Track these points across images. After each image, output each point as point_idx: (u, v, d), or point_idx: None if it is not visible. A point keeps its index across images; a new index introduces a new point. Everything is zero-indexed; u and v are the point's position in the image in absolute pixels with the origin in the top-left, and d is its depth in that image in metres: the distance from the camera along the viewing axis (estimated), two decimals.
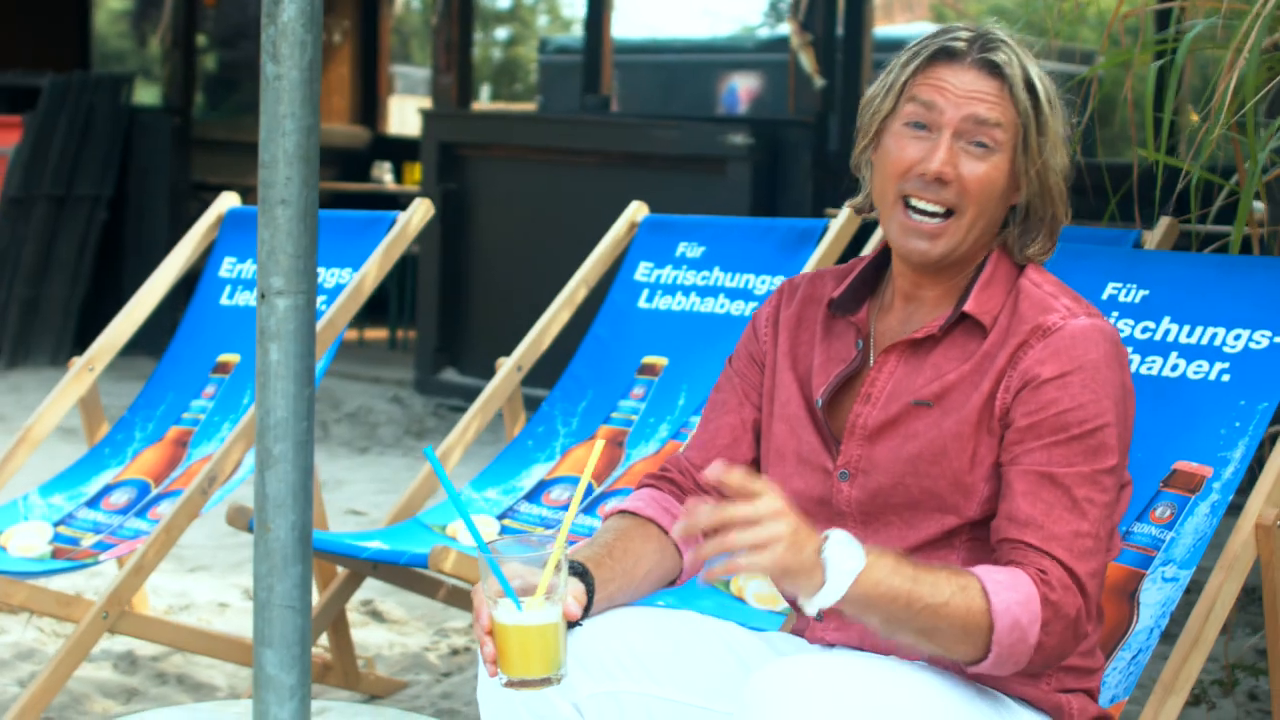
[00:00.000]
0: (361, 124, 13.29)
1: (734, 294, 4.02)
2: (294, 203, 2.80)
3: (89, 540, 3.90)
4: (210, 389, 4.18)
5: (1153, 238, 3.34)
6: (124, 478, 4.10)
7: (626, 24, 31.15)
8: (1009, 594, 2.18)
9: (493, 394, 4.07)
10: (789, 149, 7.61)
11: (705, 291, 4.07)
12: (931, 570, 2.18)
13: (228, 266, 4.37)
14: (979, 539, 2.34)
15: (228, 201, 4.42)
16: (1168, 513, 2.81)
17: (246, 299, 4.21)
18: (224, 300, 4.33)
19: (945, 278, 2.41)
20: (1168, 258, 3.15)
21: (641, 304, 4.15)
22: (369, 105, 13.34)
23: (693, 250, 4.14)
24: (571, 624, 2.26)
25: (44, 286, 9.82)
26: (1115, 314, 3.04)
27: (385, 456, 7.23)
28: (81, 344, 9.80)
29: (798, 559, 2.08)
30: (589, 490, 3.83)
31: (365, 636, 4.64)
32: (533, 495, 3.90)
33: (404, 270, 10.08)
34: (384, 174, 12.00)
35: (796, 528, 2.09)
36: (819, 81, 7.55)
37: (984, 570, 2.22)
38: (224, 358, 4.21)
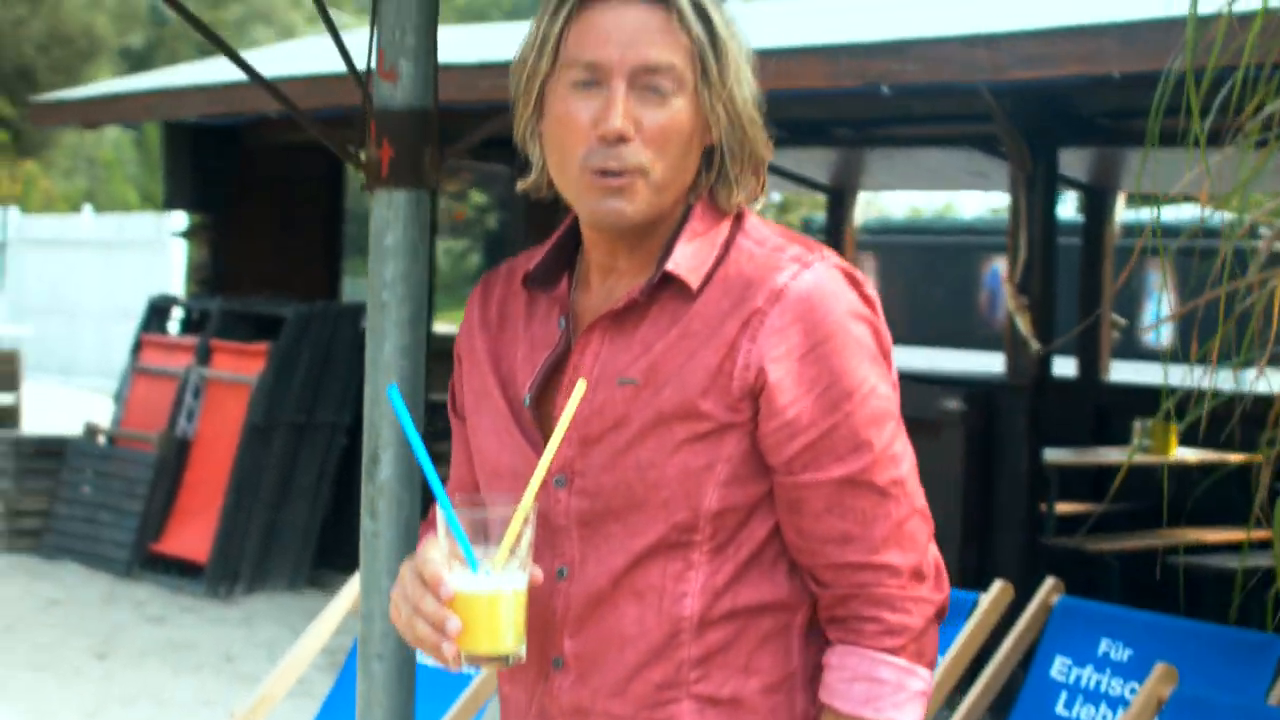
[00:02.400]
0: None
1: None
2: (390, 657, 2.86)
3: None
4: None
5: None
6: None
7: (892, 201, 31.19)
8: (890, 704, 2.04)
9: None
10: (1004, 414, 7.52)
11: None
12: None
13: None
14: (722, 542, 2.07)
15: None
16: None
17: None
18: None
19: (642, 241, 2.12)
20: None
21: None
22: None
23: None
24: None
25: (283, 512, 10.08)
26: None
27: None
28: (318, 569, 10.06)
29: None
30: None
31: None
32: None
33: None
34: None
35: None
36: (1035, 345, 7.45)
37: (855, 698, 2.04)
38: None
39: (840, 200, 11.94)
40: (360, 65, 2.78)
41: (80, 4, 37.55)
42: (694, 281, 2.06)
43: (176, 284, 24.51)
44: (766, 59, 6.27)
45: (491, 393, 2.18)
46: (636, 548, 2.06)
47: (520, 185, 2.19)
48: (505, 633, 1.95)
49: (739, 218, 2.13)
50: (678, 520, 2.05)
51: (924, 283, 23.30)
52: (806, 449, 2.03)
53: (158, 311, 11.36)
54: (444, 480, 2.08)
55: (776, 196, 26.48)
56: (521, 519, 1.94)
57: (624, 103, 2.04)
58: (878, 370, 2.06)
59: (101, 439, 10.89)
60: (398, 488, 2.88)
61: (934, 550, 2.12)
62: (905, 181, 13.42)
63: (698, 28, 2.06)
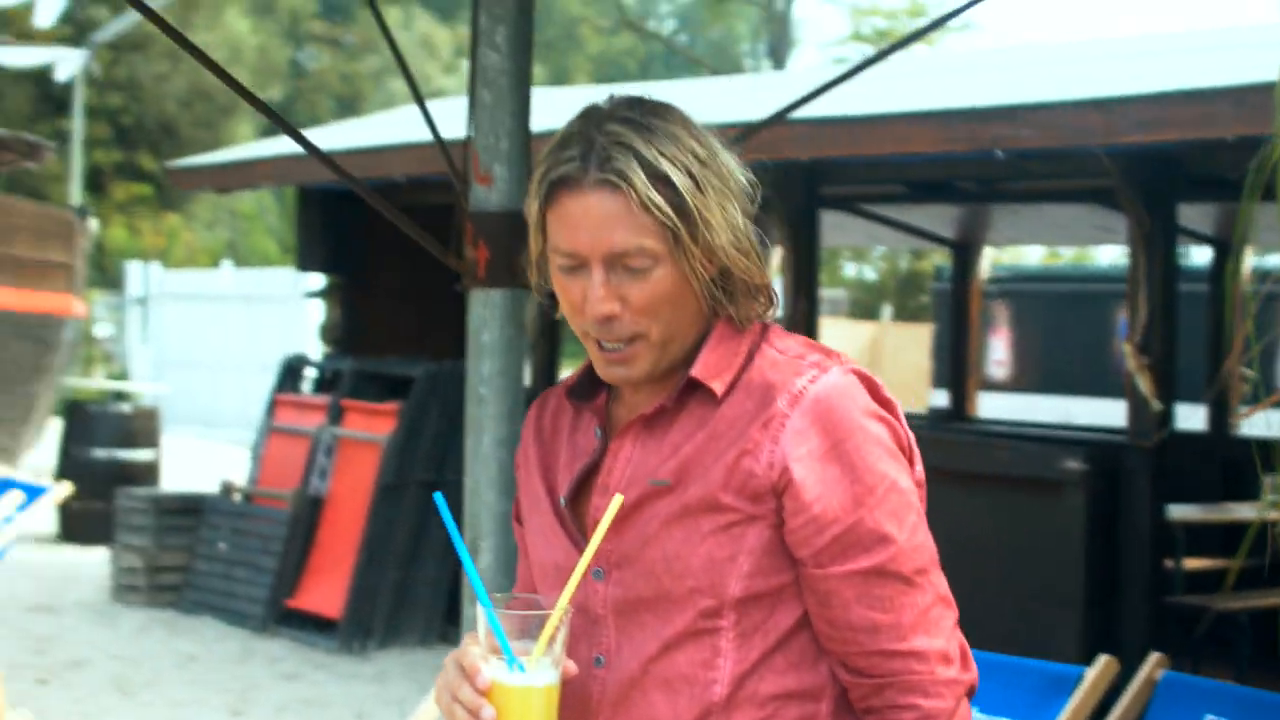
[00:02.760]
0: None
1: None
2: None
3: None
4: None
5: None
6: None
7: (1029, 248, 30.98)
8: None
9: None
10: (1126, 473, 7.50)
11: None
12: None
13: None
14: (748, 630, 2.15)
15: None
16: None
17: None
18: None
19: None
20: None
21: None
22: None
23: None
24: None
25: (415, 569, 10.22)
26: None
27: None
28: (450, 625, 10.19)
29: None
30: None
31: None
32: None
33: None
34: None
35: None
36: (1157, 405, 7.43)
37: None
38: None
39: (965, 254, 11.95)
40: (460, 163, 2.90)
41: (221, 59, 38.20)
42: (719, 388, 2.15)
43: (314, 338, 24.90)
44: (882, 124, 6.33)
45: (541, 498, 2.29)
46: (666, 635, 2.15)
47: (538, 297, 2.28)
48: None
49: (764, 328, 2.21)
50: (704, 608, 2.13)
51: (1057, 330, 23.14)
52: (833, 542, 2.10)
53: (291, 371, 11.59)
54: (514, 580, 2.26)
55: (905, 263, 26.39)
56: (557, 618, 2.05)
57: (603, 288, 2.12)
58: (897, 465, 2.13)
59: (237, 496, 11.12)
60: (497, 574, 2.98)
61: (959, 634, 2.18)
62: (1030, 236, 13.41)
63: (660, 203, 2.09)
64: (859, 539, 2.10)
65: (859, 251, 36.25)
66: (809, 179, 8.92)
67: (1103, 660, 3.92)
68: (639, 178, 2.09)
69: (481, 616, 2.07)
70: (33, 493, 7.49)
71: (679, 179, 2.11)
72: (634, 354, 2.15)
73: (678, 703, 2.16)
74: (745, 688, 2.15)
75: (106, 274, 33.10)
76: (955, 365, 11.98)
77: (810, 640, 2.17)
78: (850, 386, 2.14)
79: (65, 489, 7.61)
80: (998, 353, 33.08)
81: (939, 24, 3.11)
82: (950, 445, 8.32)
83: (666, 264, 2.12)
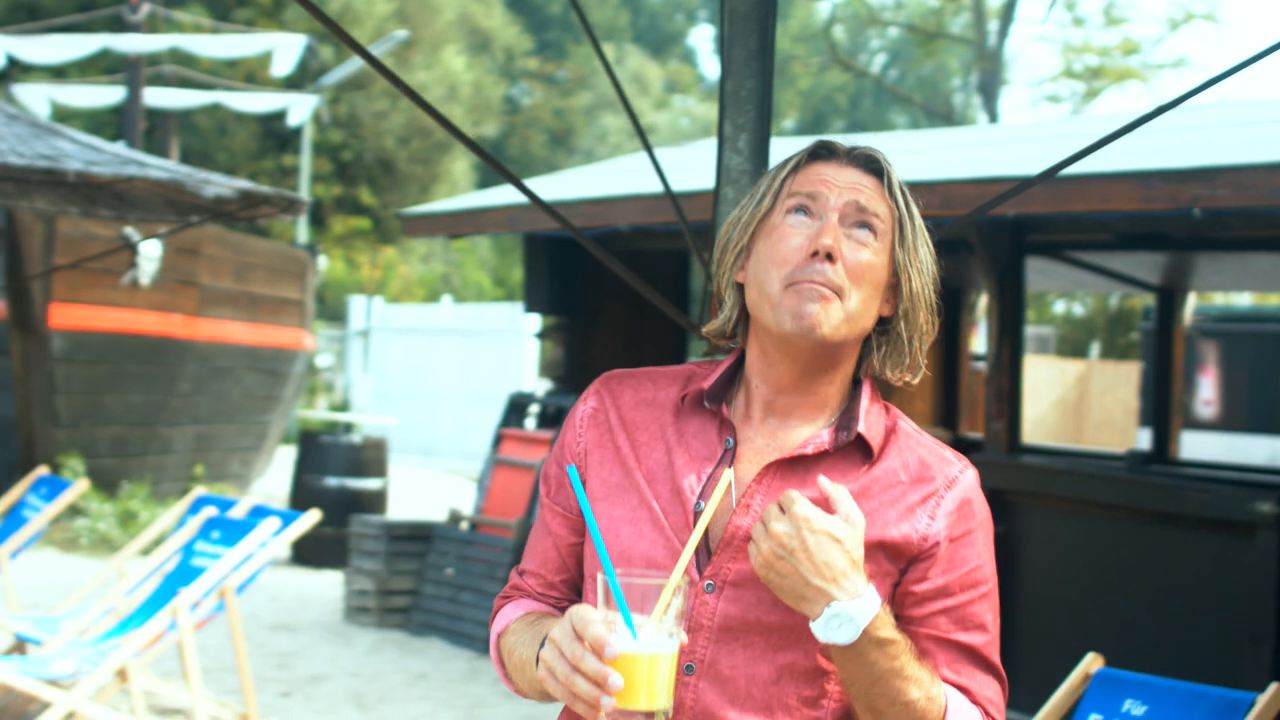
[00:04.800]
0: (942, 427, 13.92)
1: None
2: None
3: None
4: None
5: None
6: None
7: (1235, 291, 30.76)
8: (963, 712, 2.29)
9: None
10: None
11: None
12: (913, 664, 2.24)
13: None
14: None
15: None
16: None
17: None
18: None
19: (816, 386, 2.38)
20: None
21: None
22: (949, 409, 13.98)
23: (1137, 708, 4.54)
24: None
25: None
26: None
27: None
28: None
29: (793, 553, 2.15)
30: None
31: None
32: None
33: None
34: None
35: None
36: None
37: (951, 691, 2.30)
38: None
39: (1169, 299, 12.21)
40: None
41: (438, 96, 39.19)
42: (876, 447, 2.36)
43: (528, 370, 25.57)
44: (1080, 184, 6.71)
45: (636, 487, 2.39)
46: (781, 662, 2.30)
47: (705, 329, 2.47)
48: (660, 690, 2.14)
49: (889, 407, 2.44)
50: (822, 647, 2.27)
51: (1267, 370, 23.08)
52: (948, 611, 2.34)
53: (516, 407, 12.18)
54: (547, 550, 2.50)
55: (1115, 300, 26.36)
56: (673, 589, 2.14)
57: (835, 229, 2.32)
58: (994, 564, 2.41)
59: (464, 524, 11.71)
60: None
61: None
62: (1234, 283, 13.56)
63: (900, 198, 2.37)
64: (966, 617, 2.34)
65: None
66: (1015, 227, 9.28)
67: (1273, 687, 4.30)
68: (889, 169, 2.38)
69: (603, 585, 2.16)
70: (287, 519, 8.07)
71: (912, 201, 2.40)
72: (830, 302, 2.30)
73: None
74: None
75: (326, 306, 34.18)
76: (1158, 408, 12.23)
77: None
78: (980, 485, 2.40)
79: (314, 516, 8.19)
80: (1206, 392, 32.87)
81: (1212, 84, 3.46)
82: (1148, 487, 8.62)
83: (886, 247, 2.35)
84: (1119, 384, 29.22)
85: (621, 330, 12.80)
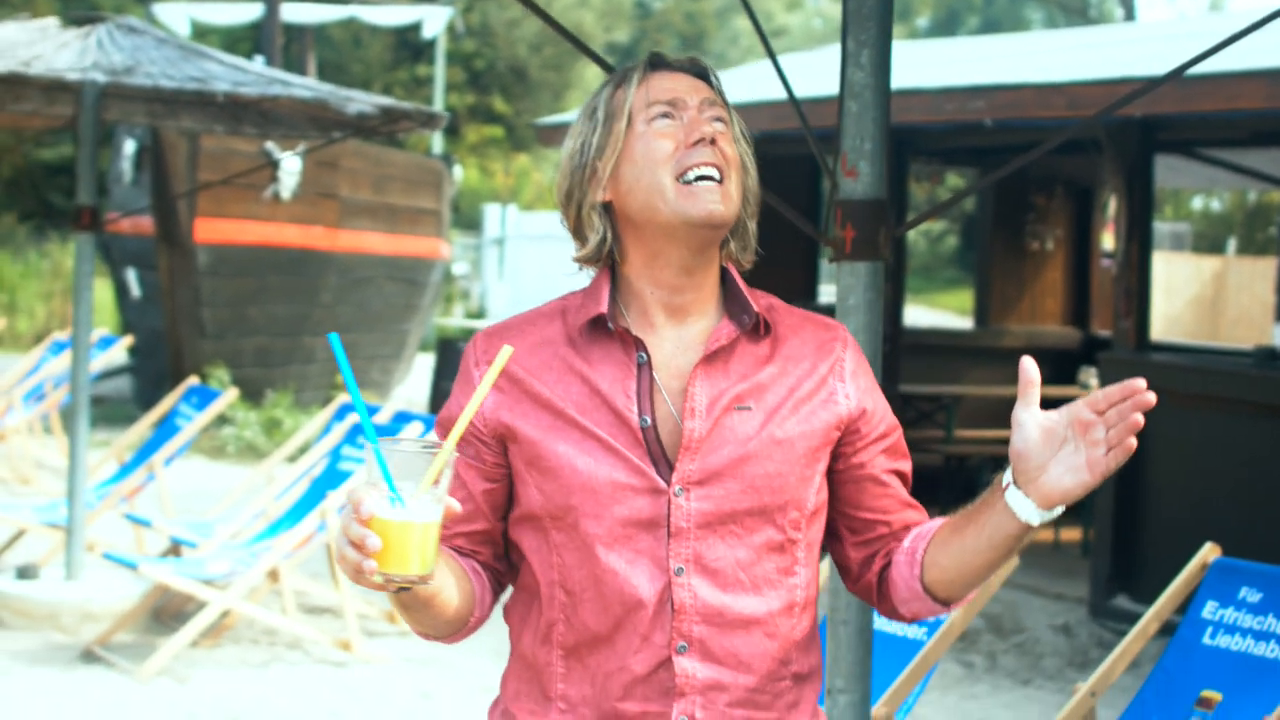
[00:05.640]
0: (1074, 325, 13.98)
1: None
2: (853, 621, 3.63)
3: None
4: None
5: None
6: None
7: None
8: None
9: (1066, 717, 4.74)
10: None
11: (1260, 635, 4.61)
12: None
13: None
14: (811, 540, 2.51)
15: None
16: None
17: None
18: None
19: (703, 279, 2.50)
20: None
21: (1205, 640, 4.73)
22: (1080, 307, 14.03)
23: (1253, 595, 4.69)
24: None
25: None
26: None
27: (1044, 692, 7.87)
28: None
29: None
30: None
31: None
32: None
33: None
34: (1089, 378, 12.70)
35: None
36: None
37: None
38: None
39: None
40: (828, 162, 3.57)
41: (569, 3, 39.33)
42: (772, 326, 2.53)
43: None
44: (1208, 83, 6.79)
45: (573, 423, 2.45)
46: (758, 544, 2.46)
47: (574, 258, 2.57)
48: (412, 558, 2.17)
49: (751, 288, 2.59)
50: (792, 520, 2.48)
51: None
52: (893, 448, 2.59)
53: None
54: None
55: (1253, 195, 25.97)
56: (442, 461, 2.18)
57: (706, 119, 2.47)
58: None
59: None
60: None
61: None
62: None
63: (725, 95, 2.54)
64: (898, 446, 2.60)
65: None
66: (1143, 127, 9.32)
67: None
68: (715, 77, 2.55)
69: (370, 454, 2.19)
70: (429, 424, 8.34)
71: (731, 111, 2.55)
72: (723, 184, 2.45)
73: (770, 604, 2.48)
74: (810, 592, 2.53)
75: (462, 215, 34.55)
76: None
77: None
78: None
79: None
80: None
81: None
82: (1274, 383, 8.70)
83: (730, 137, 2.49)
84: (1256, 280, 28.94)
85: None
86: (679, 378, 2.48)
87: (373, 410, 8.88)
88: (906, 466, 2.61)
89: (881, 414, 2.55)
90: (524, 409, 2.48)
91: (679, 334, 2.49)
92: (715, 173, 2.43)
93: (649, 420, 2.43)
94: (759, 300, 2.54)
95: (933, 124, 9.91)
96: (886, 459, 2.56)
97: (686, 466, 2.41)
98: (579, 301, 2.55)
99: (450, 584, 2.41)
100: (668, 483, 2.42)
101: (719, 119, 2.48)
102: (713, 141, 2.43)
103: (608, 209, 2.51)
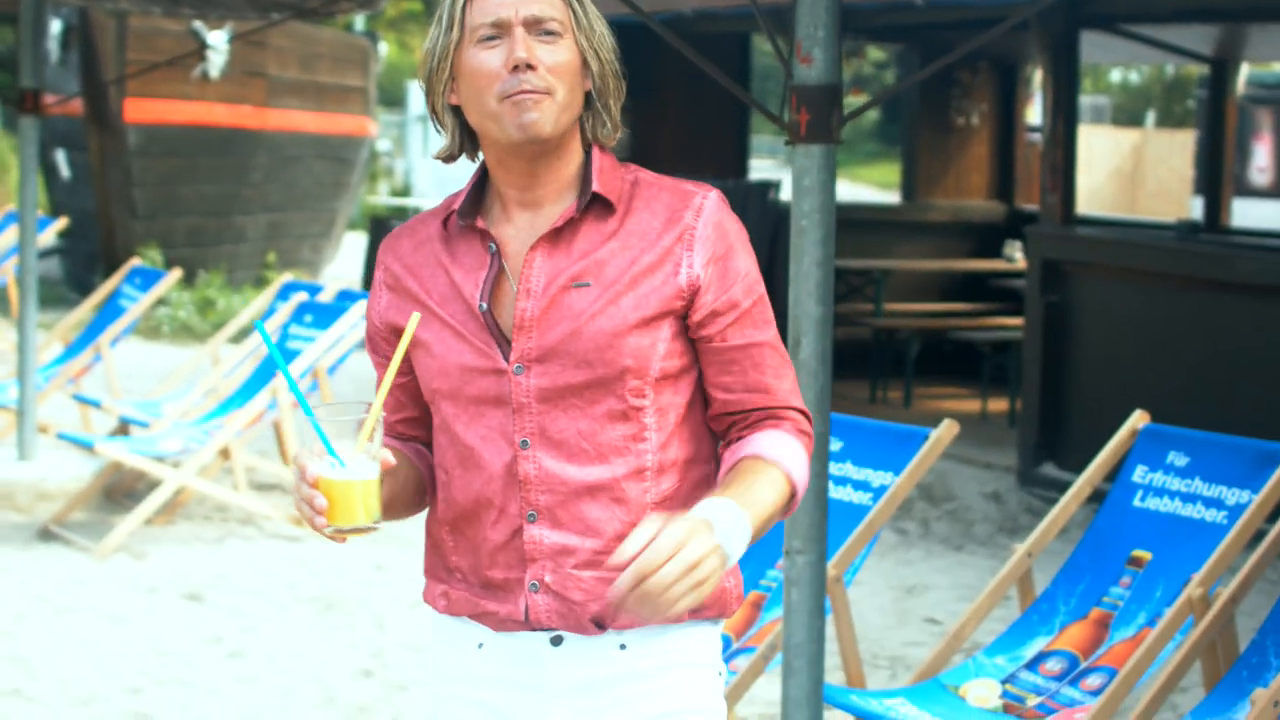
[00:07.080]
0: (999, 200, 14.21)
1: (1210, 502, 4.80)
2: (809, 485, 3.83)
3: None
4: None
5: None
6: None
7: None
8: (797, 462, 2.57)
9: (1004, 577, 4.98)
10: None
11: (1187, 498, 4.86)
12: (756, 483, 2.49)
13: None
14: (663, 406, 2.56)
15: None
16: None
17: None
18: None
19: (553, 173, 2.57)
20: None
21: (1135, 503, 4.97)
22: (1005, 182, 14.25)
23: (1180, 459, 4.93)
24: None
25: None
26: None
27: (976, 557, 8.15)
28: None
29: (721, 567, 2.34)
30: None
31: None
32: (1031, 664, 4.77)
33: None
34: (1014, 251, 12.97)
35: (715, 545, 2.33)
36: None
37: (775, 451, 2.54)
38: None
39: (1223, 71, 12.39)
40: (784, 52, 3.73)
41: None
42: (615, 200, 2.58)
43: None
44: None
45: (434, 314, 2.60)
46: (597, 413, 2.55)
47: (434, 154, 2.66)
48: (358, 511, 2.41)
49: (629, 165, 2.65)
50: (632, 387, 2.54)
51: None
52: (739, 320, 2.59)
53: None
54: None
55: (1171, 69, 26.15)
56: (373, 420, 2.42)
57: (524, 42, 2.51)
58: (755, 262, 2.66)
59: None
60: (814, 364, 3.87)
61: None
62: None
63: None
64: (753, 319, 2.60)
65: None
66: (1071, 3, 9.48)
67: None
68: None
69: (305, 421, 2.42)
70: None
71: None
72: (544, 104, 2.51)
73: (616, 470, 2.57)
74: (665, 454, 2.59)
75: (384, 92, 34.36)
76: (1210, 177, 12.49)
77: (701, 415, 2.65)
78: (726, 203, 2.63)
79: None
80: (1260, 159, 32.83)
81: None
82: (1197, 255, 8.95)
83: (570, 38, 2.55)
84: (1174, 153, 29.29)
85: (684, 113, 13.10)
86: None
87: (314, 290, 9.00)
88: (763, 336, 2.61)
89: (731, 282, 2.58)
90: (405, 306, 2.62)
91: (531, 221, 2.59)
92: (535, 95, 2.50)
93: (485, 305, 2.55)
94: (623, 175, 2.62)
95: (866, 3, 10.08)
96: (736, 331, 2.59)
97: (524, 345, 2.54)
98: (458, 199, 2.67)
99: (402, 477, 2.61)
100: (508, 361, 2.55)
101: (546, 31, 2.53)
102: (530, 67, 2.50)
103: (459, 111, 2.61)
